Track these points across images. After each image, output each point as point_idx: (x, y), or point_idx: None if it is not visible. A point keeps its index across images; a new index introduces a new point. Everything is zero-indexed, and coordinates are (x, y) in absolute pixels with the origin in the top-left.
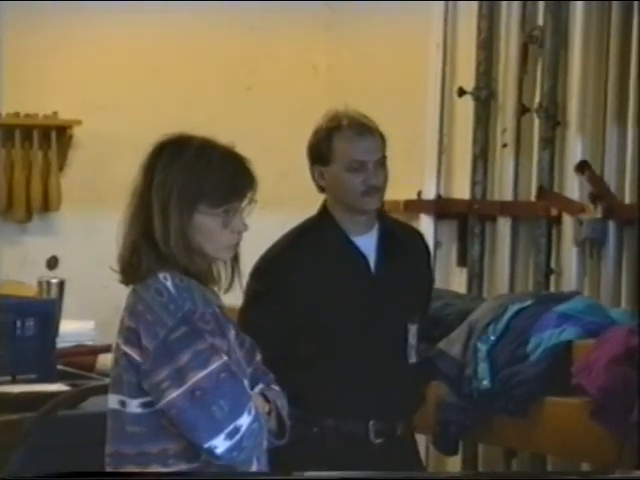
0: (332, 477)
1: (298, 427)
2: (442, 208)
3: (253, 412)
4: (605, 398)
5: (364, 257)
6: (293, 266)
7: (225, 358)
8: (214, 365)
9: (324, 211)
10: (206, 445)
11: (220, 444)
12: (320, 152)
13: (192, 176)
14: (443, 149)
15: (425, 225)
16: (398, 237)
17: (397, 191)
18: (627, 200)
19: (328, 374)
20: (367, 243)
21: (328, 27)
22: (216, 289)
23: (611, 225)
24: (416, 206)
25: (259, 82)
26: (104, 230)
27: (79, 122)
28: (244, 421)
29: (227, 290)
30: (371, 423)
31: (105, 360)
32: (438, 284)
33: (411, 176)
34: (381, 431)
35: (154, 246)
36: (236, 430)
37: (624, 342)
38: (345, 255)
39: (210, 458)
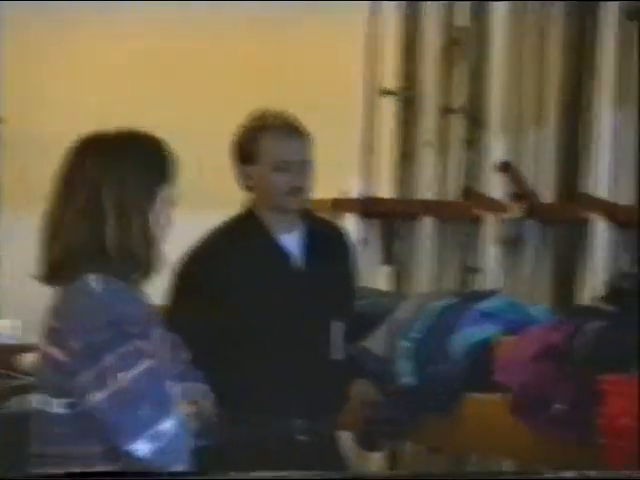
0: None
1: (225, 426)
2: (367, 207)
3: (177, 414)
4: (525, 394)
5: (289, 255)
6: (217, 265)
7: (151, 361)
8: (139, 368)
9: (248, 210)
10: (128, 448)
11: (142, 447)
12: (246, 152)
13: (146, 167)
14: (368, 149)
15: (351, 224)
16: (323, 236)
17: (323, 190)
18: (548, 200)
19: (254, 372)
20: (292, 242)
21: (257, 26)
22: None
23: (532, 224)
24: (342, 205)
25: (189, 80)
26: (31, 230)
27: (5, 121)
28: (168, 423)
29: (148, 280)
30: (296, 421)
31: (29, 359)
32: (363, 282)
33: (337, 175)
34: (306, 429)
35: (86, 247)
36: (159, 433)
37: (543, 339)
38: (269, 254)
39: (132, 461)
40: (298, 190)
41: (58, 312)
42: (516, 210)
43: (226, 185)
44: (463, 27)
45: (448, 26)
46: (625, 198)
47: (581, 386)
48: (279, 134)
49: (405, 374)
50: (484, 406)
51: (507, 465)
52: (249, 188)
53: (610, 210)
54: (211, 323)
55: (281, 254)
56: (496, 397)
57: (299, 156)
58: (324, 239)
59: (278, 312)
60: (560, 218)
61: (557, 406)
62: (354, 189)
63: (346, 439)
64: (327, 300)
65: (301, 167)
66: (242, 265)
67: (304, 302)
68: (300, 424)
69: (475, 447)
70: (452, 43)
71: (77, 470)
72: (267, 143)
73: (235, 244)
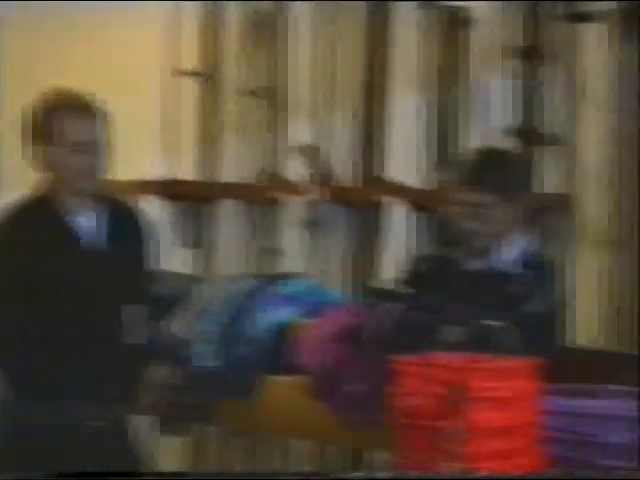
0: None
1: (18, 413)
2: (170, 189)
3: None
4: (324, 376)
5: (81, 238)
6: (6, 248)
7: None
8: None
9: (42, 191)
10: None
11: None
12: (38, 132)
13: None
14: (171, 131)
15: (153, 206)
16: (119, 218)
17: (124, 172)
18: (348, 183)
19: (46, 358)
20: (86, 224)
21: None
22: None
23: (332, 207)
24: (144, 187)
25: None
26: None
27: None
28: None
29: None
30: (89, 406)
31: None
32: (165, 265)
33: (139, 157)
34: (99, 415)
35: None
36: None
37: (342, 321)
38: (60, 236)
39: None
40: (93, 171)
41: None
42: (317, 193)
43: (20, 165)
44: (266, 10)
45: (251, 9)
46: (421, 181)
47: (376, 367)
48: (73, 114)
49: (207, 357)
50: (285, 388)
51: (307, 445)
52: (42, 169)
53: (408, 194)
54: (1, 308)
55: (72, 237)
56: (297, 379)
57: (94, 137)
58: (120, 221)
59: (70, 295)
60: (360, 201)
61: (354, 387)
62: (156, 171)
63: (146, 423)
64: (122, 283)
65: (96, 148)
66: (32, 248)
67: (98, 285)
68: (93, 410)
69: (277, 429)
70: (255, 26)
71: None
72: (61, 123)
73: (25, 227)
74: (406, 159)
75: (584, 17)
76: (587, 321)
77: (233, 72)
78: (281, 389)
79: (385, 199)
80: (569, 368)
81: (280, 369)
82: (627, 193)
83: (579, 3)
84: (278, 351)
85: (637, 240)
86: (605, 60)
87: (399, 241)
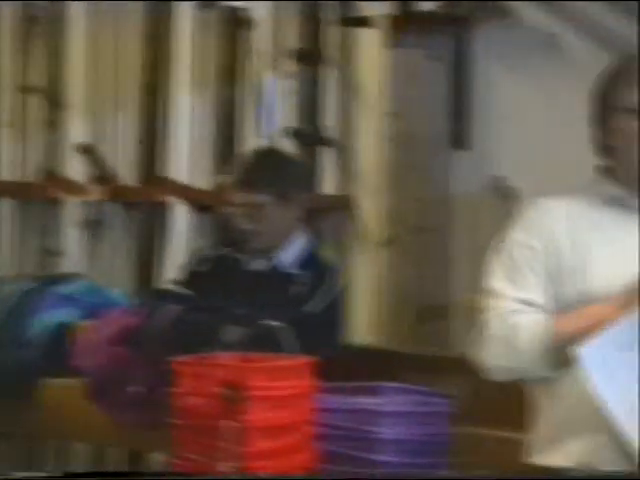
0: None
1: None
2: None
3: None
4: (101, 378)
5: None
6: None
7: None
8: None
9: None
10: None
11: None
12: None
13: None
14: None
15: None
16: None
17: None
18: (129, 183)
19: None
20: None
21: None
22: None
23: (113, 207)
24: None
25: None
26: None
27: None
28: None
29: None
30: None
31: None
32: None
33: None
34: None
35: None
36: None
37: (120, 322)
38: None
39: None
40: None
41: None
42: (97, 193)
43: None
44: (43, 7)
45: (27, 4)
46: (202, 182)
47: (156, 368)
48: None
49: None
50: (62, 391)
51: (82, 448)
52: None
53: (188, 193)
54: None
55: None
56: (75, 382)
57: None
58: None
59: None
60: (141, 201)
61: (134, 389)
62: None
63: None
64: None
65: None
66: None
67: None
68: None
69: (53, 432)
70: (31, 22)
71: None
72: None
73: None
74: (189, 159)
75: (359, 21)
76: (366, 320)
77: (9, 68)
78: (59, 391)
79: (167, 199)
80: (347, 366)
81: (58, 371)
82: (403, 194)
83: (355, 7)
84: (56, 353)
85: (414, 240)
86: (378, 63)
87: (182, 241)
